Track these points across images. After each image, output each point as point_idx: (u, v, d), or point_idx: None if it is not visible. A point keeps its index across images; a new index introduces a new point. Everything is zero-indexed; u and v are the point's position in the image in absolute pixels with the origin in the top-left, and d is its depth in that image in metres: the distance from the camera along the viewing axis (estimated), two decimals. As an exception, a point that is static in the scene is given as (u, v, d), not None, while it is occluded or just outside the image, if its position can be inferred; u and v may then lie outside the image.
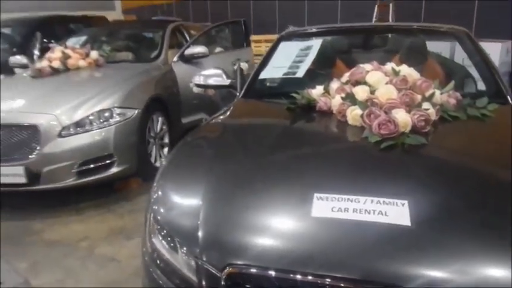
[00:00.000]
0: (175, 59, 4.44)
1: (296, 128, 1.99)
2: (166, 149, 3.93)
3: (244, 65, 4.58)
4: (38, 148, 3.05)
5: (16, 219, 3.15)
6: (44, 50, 5.11)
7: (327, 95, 2.00)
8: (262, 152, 1.71)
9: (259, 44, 10.21)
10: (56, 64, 3.82)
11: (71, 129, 3.13)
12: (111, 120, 3.25)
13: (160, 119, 3.83)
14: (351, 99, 1.83)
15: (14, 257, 2.64)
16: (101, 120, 3.23)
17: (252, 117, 2.24)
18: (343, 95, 1.89)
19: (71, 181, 3.14)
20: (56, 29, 6.79)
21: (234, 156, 1.71)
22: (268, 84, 2.64)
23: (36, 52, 5.04)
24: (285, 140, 1.83)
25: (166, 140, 3.96)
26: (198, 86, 2.91)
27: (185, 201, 1.55)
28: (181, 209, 1.51)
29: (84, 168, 3.16)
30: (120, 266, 2.50)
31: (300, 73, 2.31)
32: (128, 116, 3.34)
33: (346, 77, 2.03)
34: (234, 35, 5.50)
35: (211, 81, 2.85)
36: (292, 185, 1.43)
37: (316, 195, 1.30)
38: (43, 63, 3.88)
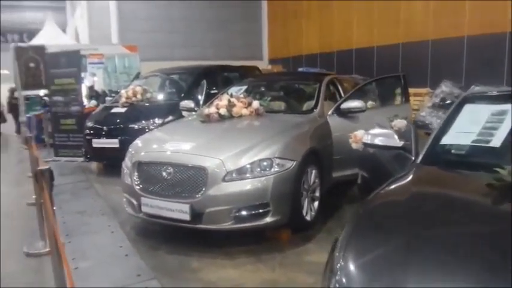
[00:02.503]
0: (330, 112, 4.44)
1: (502, 212, 1.69)
2: (316, 203, 3.85)
3: (402, 123, 4.34)
4: (203, 189, 3.26)
5: (175, 253, 3.38)
6: (208, 97, 5.67)
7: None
8: (463, 234, 1.48)
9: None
10: (223, 111, 4.13)
11: (234, 175, 3.28)
12: (271, 170, 3.32)
13: (314, 171, 3.80)
14: None
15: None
16: (261, 169, 3.32)
17: (440, 188, 2.01)
18: None
19: (228, 225, 3.26)
20: (215, 77, 7.52)
21: (426, 232, 1.52)
22: (452, 150, 2.38)
23: (202, 98, 5.57)
24: (489, 225, 1.56)
25: (317, 194, 3.89)
26: (366, 145, 2.79)
27: (376, 277, 1.40)
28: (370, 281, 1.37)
29: (241, 213, 3.26)
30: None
31: (496, 142, 2.02)
32: (287, 167, 3.38)
33: None
34: (392, 89, 5.32)
35: (380, 141, 2.71)
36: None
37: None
38: (211, 110, 4.23)
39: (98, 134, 6.34)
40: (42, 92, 10.35)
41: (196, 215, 3.27)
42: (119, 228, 4.00)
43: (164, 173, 3.41)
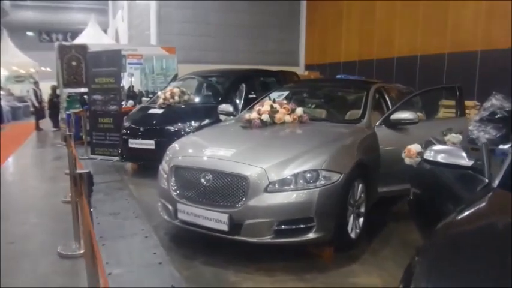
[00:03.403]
0: (378, 122, 4.17)
1: None
2: (361, 220, 3.59)
3: (457, 138, 4.01)
4: (244, 199, 3.07)
5: (211, 265, 3.21)
6: (246, 101, 5.49)
7: None
8: None
9: (451, 110, 9.32)
10: (265, 117, 3.94)
11: (277, 186, 3.08)
12: (316, 183, 3.09)
13: (360, 185, 3.54)
14: None
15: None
16: (306, 181, 3.10)
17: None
18: None
19: (268, 238, 3.06)
20: (253, 81, 7.36)
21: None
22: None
23: (241, 102, 5.40)
24: None
25: (362, 210, 3.62)
26: (428, 162, 2.52)
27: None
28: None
29: (282, 227, 3.05)
30: None
31: None
32: (333, 180, 3.14)
33: None
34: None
35: (444, 159, 2.44)
36: None
37: None
38: (253, 115, 4.05)
39: (134, 134, 6.30)
40: (82, 90, 10.58)
41: (235, 226, 3.08)
42: (153, 233, 3.88)
43: (203, 180, 3.25)
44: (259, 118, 3.94)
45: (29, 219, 4.40)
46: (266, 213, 3.03)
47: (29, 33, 31.31)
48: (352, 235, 3.41)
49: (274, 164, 3.15)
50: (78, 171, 1.85)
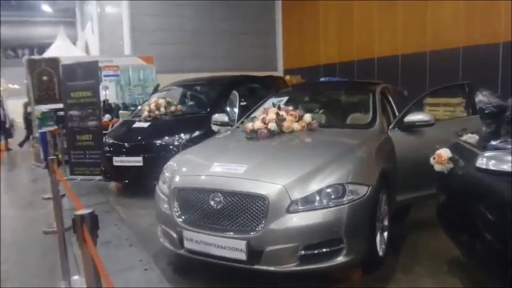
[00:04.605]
0: (391, 126, 3.87)
1: None
2: (386, 234, 3.25)
3: (473, 138, 3.75)
4: (263, 222, 2.67)
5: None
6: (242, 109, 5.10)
7: None
8: None
9: (436, 108, 9.21)
10: (273, 126, 3.55)
11: (299, 205, 2.70)
12: (343, 198, 2.73)
13: (384, 196, 3.20)
14: None
15: None
16: (332, 197, 2.73)
17: None
18: None
19: (292, 266, 2.67)
20: (242, 88, 6.97)
21: None
22: None
23: (236, 111, 4.99)
24: None
25: (386, 222, 3.28)
26: (481, 171, 2.20)
27: None
28: None
29: (309, 252, 2.67)
30: None
31: None
32: (361, 193, 2.78)
33: None
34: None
35: (497, 166, 2.13)
36: None
37: None
38: (257, 124, 3.66)
39: (118, 151, 5.79)
40: (55, 107, 9.94)
41: (254, 253, 2.68)
42: (153, 264, 3.42)
43: (212, 202, 2.83)
44: (266, 127, 3.56)
45: (10, 256, 3.86)
46: (289, 238, 2.64)
47: (-7, 50, 29.97)
48: (380, 252, 3.07)
49: (295, 180, 2.76)
50: (79, 213, 1.42)
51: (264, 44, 16.99)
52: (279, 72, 17.19)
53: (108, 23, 18.51)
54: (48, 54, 13.81)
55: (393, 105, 4.48)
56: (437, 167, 2.98)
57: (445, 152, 2.96)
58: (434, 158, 3.00)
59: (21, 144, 12.26)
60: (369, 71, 12.77)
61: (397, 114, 4.18)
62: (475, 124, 4.32)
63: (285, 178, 2.77)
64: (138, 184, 5.88)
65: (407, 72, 11.40)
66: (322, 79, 12.66)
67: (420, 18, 10.91)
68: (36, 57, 10.79)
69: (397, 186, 3.66)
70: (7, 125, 12.84)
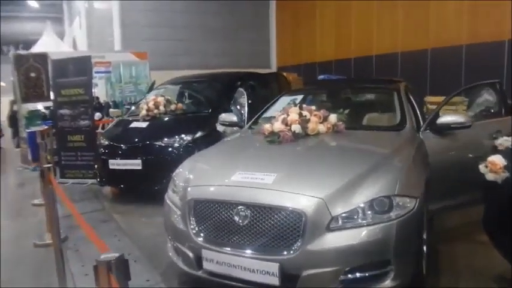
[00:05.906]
0: (423, 127, 3.52)
1: None
2: (424, 248, 2.89)
3: (508, 141, 3.42)
4: (299, 242, 2.29)
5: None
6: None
7: None
8: None
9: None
10: (297, 128, 3.17)
11: (341, 221, 2.32)
12: (390, 213, 2.36)
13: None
14: None
15: None
16: (377, 212, 2.36)
17: None
18: None
19: (333, 292, 2.30)
20: (245, 85, 6.56)
21: None
22: None
23: (246, 110, 4.58)
24: None
25: (424, 236, 2.93)
26: None
27: None
28: None
29: (351, 276, 2.30)
30: None
31: None
32: (409, 207, 2.42)
33: None
34: (488, 100, 4.41)
35: None
36: None
37: None
38: (277, 126, 3.27)
39: (115, 154, 5.34)
40: (42, 105, 9.41)
41: (289, 277, 2.31)
42: (162, 285, 3.02)
43: (236, 218, 2.45)
44: (289, 129, 3.17)
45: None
46: (331, 260, 2.27)
47: (-23, 48, 28.95)
48: (424, 270, 2.72)
49: (334, 192, 2.38)
50: (104, 257, 1.02)
51: (257, 40, 16.60)
52: (273, 70, 16.83)
53: (97, 18, 17.90)
54: (36, 49, 13.21)
55: (415, 104, 4.15)
56: (490, 176, 2.64)
57: (499, 160, 2.62)
58: (486, 167, 2.65)
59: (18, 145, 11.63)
60: (367, 68, 12.50)
61: (418, 114, 3.85)
62: (509, 126, 4.02)
63: (323, 190, 2.39)
64: (136, 189, 5.46)
65: (407, 70, 11.13)
66: (321, 76, 12.36)
67: (422, 15, 10.64)
68: (23, 52, 10.22)
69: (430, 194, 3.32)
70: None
